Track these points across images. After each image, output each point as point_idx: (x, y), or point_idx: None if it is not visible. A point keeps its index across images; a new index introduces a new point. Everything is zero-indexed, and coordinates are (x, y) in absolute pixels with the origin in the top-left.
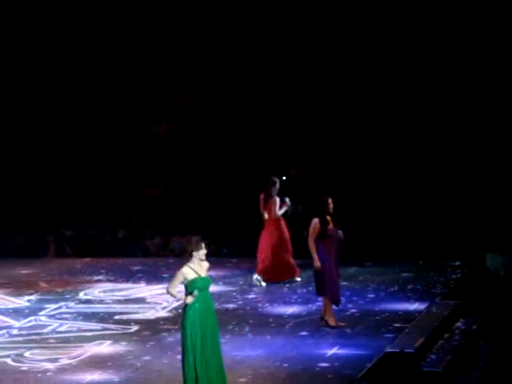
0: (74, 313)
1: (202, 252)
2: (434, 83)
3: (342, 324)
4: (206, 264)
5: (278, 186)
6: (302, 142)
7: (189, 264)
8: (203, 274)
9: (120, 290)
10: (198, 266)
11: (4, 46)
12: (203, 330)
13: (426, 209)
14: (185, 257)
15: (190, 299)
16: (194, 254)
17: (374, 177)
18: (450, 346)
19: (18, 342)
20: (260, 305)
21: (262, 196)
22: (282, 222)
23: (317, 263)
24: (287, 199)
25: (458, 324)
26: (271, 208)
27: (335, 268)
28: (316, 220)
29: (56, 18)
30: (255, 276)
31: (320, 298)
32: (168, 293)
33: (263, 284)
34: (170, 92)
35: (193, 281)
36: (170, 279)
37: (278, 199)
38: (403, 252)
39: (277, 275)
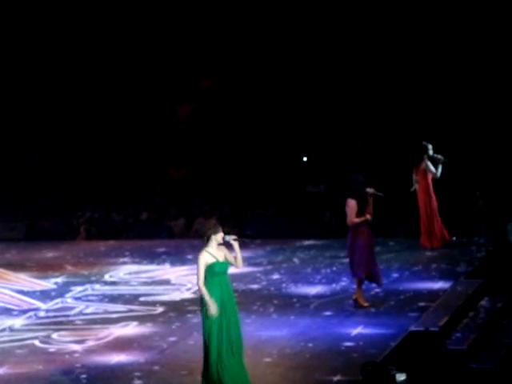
0: (100, 295)
1: (220, 235)
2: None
3: (367, 304)
4: (223, 248)
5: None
6: (325, 124)
7: (206, 249)
8: (221, 258)
9: (145, 271)
10: (215, 250)
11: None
12: (222, 315)
13: (448, 187)
14: (203, 240)
15: (211, 308)
16: (213, 237)
17: (391, 155)
18: (474, 325)
19: (46, 323)
20: (284, 285)
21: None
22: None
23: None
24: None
25: (483, 302)
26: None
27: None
28: (353, 201)
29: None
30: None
31: (344, 278)
32: (200, 289)
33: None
34: (194, 74)
35: (210, 265)
36: (194, 260)
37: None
38: None
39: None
